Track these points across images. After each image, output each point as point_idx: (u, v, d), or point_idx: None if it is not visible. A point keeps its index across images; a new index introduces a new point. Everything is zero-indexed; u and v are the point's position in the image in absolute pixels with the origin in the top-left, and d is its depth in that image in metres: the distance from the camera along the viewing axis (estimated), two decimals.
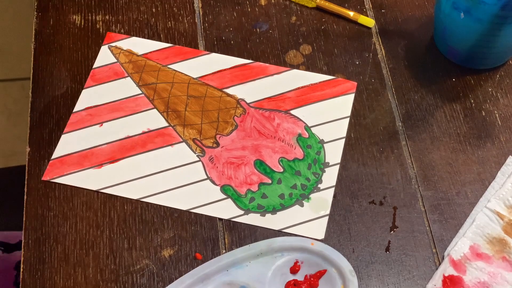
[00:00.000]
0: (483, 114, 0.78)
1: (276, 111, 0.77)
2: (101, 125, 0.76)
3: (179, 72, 0.80)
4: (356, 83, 0.79)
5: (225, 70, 0.80)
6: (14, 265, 0.86)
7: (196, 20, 0.84)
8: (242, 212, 0.71)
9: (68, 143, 0.75)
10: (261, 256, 0.68)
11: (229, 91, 0.78)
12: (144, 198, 0.71)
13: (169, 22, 0.83)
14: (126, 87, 0.78)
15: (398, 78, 0.80)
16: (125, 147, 0.75)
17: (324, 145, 0.75)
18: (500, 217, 0.70)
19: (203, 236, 0.70)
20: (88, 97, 0.78)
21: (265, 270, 0.67)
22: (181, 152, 0.74)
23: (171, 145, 0.75)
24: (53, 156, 0.74)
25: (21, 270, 0.68)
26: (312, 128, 0.76)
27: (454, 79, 0.80)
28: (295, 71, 0.80)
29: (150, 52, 0.81)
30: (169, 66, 0.80)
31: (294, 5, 0.85)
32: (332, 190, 0.72)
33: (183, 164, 0.74)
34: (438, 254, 0.69)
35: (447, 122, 0.77)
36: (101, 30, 0.83)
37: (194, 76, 0.79)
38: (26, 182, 0.73)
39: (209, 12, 0.85)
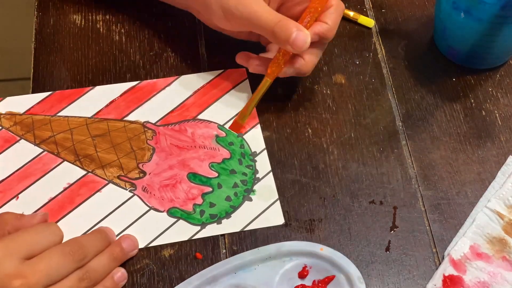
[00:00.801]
0: (483, 113, 0.78)
1: (185, 121, 0.76)
2: (17, 198, 0.70)
3: (72, 116, 0.76)
4: (244, 69, 0.79)
5: (116, 99, 0.77)
6: None
7: (196, 20, 0.84)
8: (199, 227, 0.70)
9: None
10: (269, 260, 0.67)
11: (130, 118, 0.76)
12: None
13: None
14: (24, 151, 0.73)
15: (398, 77, 0.80)
16: (53, 209, 0.70)
17: (244, 136, 0.75)
18: (500, 216, 0.70)
19: (203, 236, 0.70)
20: None
21: (273, 274, 0.67)
22: (112, 193, 0.71)
23: (98, 190, 0.71)
24: None
25: None
26: (225, 125, 0.76)
27: (454, 79, 0.80)
28: (183, 77, 0.79)
29: (32, 107, 0.76)
30: (58, 114, 0.76)
31: None
32: (271, 175, 0.73)
33: (119, 205, 0.71)
34: (438, 254, 0.69)
35: (447, 122, 0.77)
36: (101, 30, 0.83)
37: (89, 115, 0.76)
38: None
39: None
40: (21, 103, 0.77)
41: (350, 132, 0.76)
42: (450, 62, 0.81)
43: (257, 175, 0.73)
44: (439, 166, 0.74)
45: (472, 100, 0.79)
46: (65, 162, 0.73)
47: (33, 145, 0.74)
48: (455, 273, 0.67)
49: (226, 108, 0.77)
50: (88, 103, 0.77)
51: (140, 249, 0.69)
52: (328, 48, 0.82)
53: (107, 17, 0.84)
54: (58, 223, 0.69)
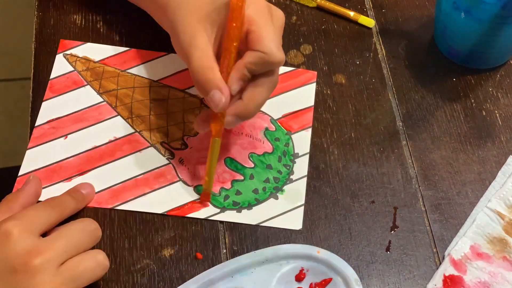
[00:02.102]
0: (484, 113, 0.78)
1: None
2: (66, 138, 0.74)
3: (139, 76, 0.78)
4: (316, 72, 0.79)
5: (186, 70, 0.78)
6: None
7: None
8: (218, 210, 0.71)
9: (34, 158, 0.73)
10: (266, 263, 0.67)
11: (192, 91, 0.77)
12: (117, 206, 0.70)
13: None
14: (87, 96, 0.77)
15: (398, 78, 0.80)
16: (93, 157, 0.73)
17: (292, 136, 0.75)
18: (501, 216, 0.70)
19: (203, 236, 0.70)
20: (49, 110, 0.76)
21: (270, 277, 0.67)
22: (150, 157, 0.73)
23: (139, 151, 0.74)
24: (20, 173, 0.72)
25: None
26: (278, 121, 0.76)
27: (454, 79, 0.80)
28: None
29: (107, 58, 0.79)
30: (128, 70, 0.79)
31: (294, 5, 0.85)
32: (304, 180, 0.72)
33: (153, 168, 0.73)
34: (439, 254, 0.69)
35: (447, 122, 0.77)
36: (101, 30, 0.83)
37: (155, 79, 0.78)
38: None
39: None
40: (98, 51, 0.80)
41: (350, 132, 0.76)
42: (450, 62, 0.81)
43: (291, 176, 0.73)
44: (439, 166, 0.74)
45: (473, 100, 0.79)
46: (119, 117, 0.76)
47: (96, 93, 0.77)
48: (455, 273, 0.67)
49: (285, 105, 0.77)
50: (158, 67, 0.79)
51: (141, 249, 0.69)
52: (328, 48, 0.82)
53: (107, 17, 0.84)
54: (90, 172, 0.72)
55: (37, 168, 0.72)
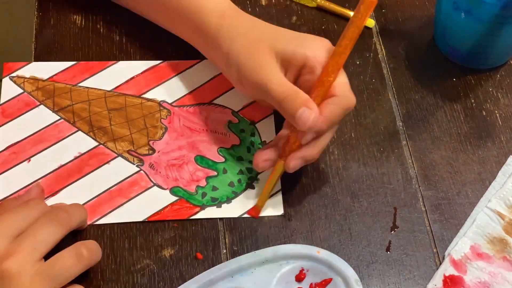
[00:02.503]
0: (484, 114, 0.78)
1: (200, 104, 0.77)
2: (29, 161, 0.72)
3: (92, 88, 0.77)
4: None
5: (137, 76, 0.78)
6: None
7: None
8: (198, 208, 0.71)
9: (1, 187, 0.71)
10: (266, 263, 0.67)
11: (148, 95, 0.77)
12: (97, 221, 0.70)
13: None
14: (42, 116, 0.75)
15: (398, 78, 0.80)
16: (61, 176, 0.71)
17: (256, 125, 0.76)
18: (501, 217, 0.70)
19: (203, 236, 0.70)
20: (6, 135, 0.74)
21: (270, 277, 0.67)
22: (120, 166, 0.73)
23: (107, 162, 0.73)
24: None
25: None
26: (239, 112, 0.76)
27: (454, 79, 0.80)
28: (205, 61, 0.79)
29: (56, 74, 0.78)
30: (79, 84, 0.78)
31: (294, 5, 0.85)
32: None
33: (125, 178, 0.72)
34: (439, 254, 0.69)
35: (447, 122, 0.77)
36: (101, 30, 0.83)
37: (109, 89, 0.77)
38: None
39: None
40: (45, 69, 0.78)
41: (350, 132, 0.76)
42: (450, 62, 0.81)
43: None
44: (439, 166, 0.74)
45: (473, 100, 0.79)
46: (79, 132, 0.75)
47: (51, 112, 0.76)
48: (455, 273, 0.67)
49: (243, 95, 0.77)
50: (109, 76, 0.78)
51: (141, 249, 0.69)
52: None
53: (107, 17, 0.84)
54: (62, 192, 0.71)
55: (6, 195, 0.70)
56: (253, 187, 0.72)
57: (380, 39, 0.83)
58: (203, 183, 0.72)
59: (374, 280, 0.68)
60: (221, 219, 0.71)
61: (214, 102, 0.77)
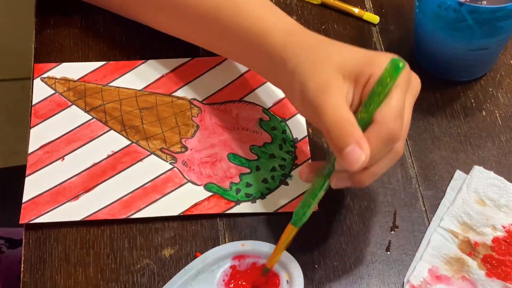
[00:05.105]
0: (484, 113, 0.78)
1: (230, 102, 0.77)
2: (63, 159, 0.73)
3: (122, 88, 0.78)
4: None
5: (167, 74, 0.79)
6: (19, 259, 0.87)
7: None
8: (233, 203, 0.71)
9: (35, 184, 0.72)
10: (199, 275, 0.67)
11: (178, 94, 0.78)
12: (132, 215, 0.70)
13: None
14: (75, 116, 0.76)
15: None
16: (95, 174, 0.72)
17: (287, 122, 0.76)
18: (455, 235, 0.68)
19: (203, 236, 0.70)
20: (39, 135, 0.75)
21: (209, 287, 0.67)
22: (153, 164, 0.73)
23: (140, 160, 0.73)
24: (24, 200, 0.71)
25: (22, 269, 0.68)
26: (270, 110, 0.77)
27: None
28: None
29: (86, 75, 0.79)
30: (110, 84, 0.78)
31: (294, 5, 0.85)
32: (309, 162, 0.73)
33: (159, 175, 0.73)
34: None
35: (447, 122, 0.77)
36: (101, 30, 0.83)
37: (139, 88, 0.78)
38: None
39: None
40: (76, 70, 0.79)
41: None
42: None
43: (296, 161, 0.73)
44: (439, 166, 0.74)
45: (473, 100, 0.79)
46: (112, 131, 0.75)
47: (83, 112, 0.76)
48: None
49: (273, 92, 0.77)
50: (139, 76, 0.79)
51: (141, 249, 0.69)
52: None
53: (107, 17, 0.84)
54: (96, 188, 0.72)
55: (40, 192, 0.71)
56: (286, 184, 0.72)
57: (380, 39, 0.83)
58: (236, 179, 0.73)
59: (374, 280, 0.68)
60: (226, 216, 0.71)
61: (244, 99, 0.77)
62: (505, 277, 0.66)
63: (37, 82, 0.78)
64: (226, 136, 0.75)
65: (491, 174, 0.72)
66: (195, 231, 0.70)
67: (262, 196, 0.72)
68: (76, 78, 0.79)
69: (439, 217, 0.70)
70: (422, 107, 0.78)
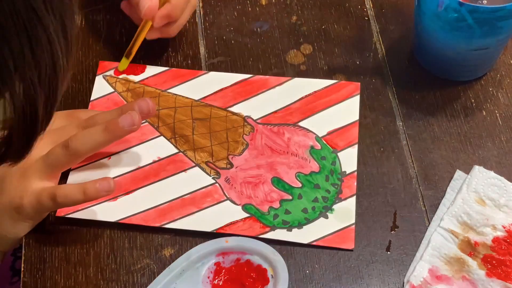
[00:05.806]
0: (484, 113, 0.78)
1: (285, 125, 0.76)
2: (109, 158, 0.74)
3: (180, 95, 0.78)
4: (359, 83, 0.78)
5: (226, 88, 0.78)
6: (12, 251, 0.87)
7: (196, 20, 0.84)
8: (268, 228, 0.69)
9: (77, 179, 0.72)
10: (184, 273, 0.67)
11: (234, 109, 0.77)
12: (165, 224, 0.70)
13: None
14: None
15: (398, 77, 0.80)
16: (138, 177, 0.73)
17: (338, 154, 0.74)
18: (455, 235, 0.68)
19: (203, 236, 0.70)
20: None
21: (194, 285, 0.66)
22: (196, 176, 0.73)
23: (184, 170, 0.73)
24: None
25: (22, 269, 0.68)
26: (323, 138, 0.75)
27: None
28: (296, 79, 0.79)
29: (147, 78, 0.79)
30: (168, 90, 0.78)
31: (294, 5, 0.85)
32: (353, 199, 0.71)
33: (200, 188, 0.72)
34: None
35: (447, 122, 0.77)
36: (101, 30, 0.83)
37: (196, 98, 0.78)
38: None
39: (210, 11, 0.85)
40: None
41: None
42: None
43: (340, 195, 0.72)
44: (439, 166, 0.74)
45: (473, 100, 0.79)
46: (161, 137, 0.75)
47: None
48: None
49: (330, 121, 0.76)
50: (198, 86, 0.79)
51: (141, 249, 0.69)
52: (328, 48, 0.82)
53: (107, 17, 0.84)
54: (136, 192, 0.72)
55: None
56: (326, 217, 0.70)
57: (380, 39, 0.83)
58: (276, 204, 0.71)
59: (374, 279, 0.68)
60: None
61: (298, 124, 0.76)
62: (505, 277, 0.66)
63: (99, 79, 0.79)
64: (274, 159, 0.74)
65: (491, 174, 0.72)
66: (195, 231, 0.70)
67: (300, 225, 0.70)
68: (137, 80, 0.79)
69: (439, 217, 0.70)
70: (422, 107, 0.78)
